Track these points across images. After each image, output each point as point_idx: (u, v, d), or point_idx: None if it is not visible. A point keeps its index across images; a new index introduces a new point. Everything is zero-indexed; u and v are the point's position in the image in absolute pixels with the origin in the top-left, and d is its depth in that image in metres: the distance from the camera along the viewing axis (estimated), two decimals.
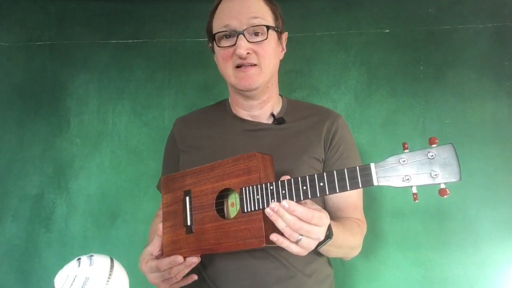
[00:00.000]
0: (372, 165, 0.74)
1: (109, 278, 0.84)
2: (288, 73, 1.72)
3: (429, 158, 0.70)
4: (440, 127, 1.61)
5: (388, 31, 1.69)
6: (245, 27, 0.99)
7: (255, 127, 1.10)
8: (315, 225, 0.80)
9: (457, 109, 1.61)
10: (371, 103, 1.67)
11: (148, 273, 0.95)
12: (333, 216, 0.85)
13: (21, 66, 1.86)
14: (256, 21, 1.00)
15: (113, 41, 1.84)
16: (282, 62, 1.13)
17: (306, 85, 1.71)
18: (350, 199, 1.08)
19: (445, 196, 0.69)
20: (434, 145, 0.71)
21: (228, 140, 1.09)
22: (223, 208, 0.94)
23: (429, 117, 1.62)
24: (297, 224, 0.78)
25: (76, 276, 0.82)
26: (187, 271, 0.94)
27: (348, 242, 1.02)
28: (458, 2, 1.65)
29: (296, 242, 0.80)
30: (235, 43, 1.00)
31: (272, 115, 1.11)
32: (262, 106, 1.11)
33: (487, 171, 1.56)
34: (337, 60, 1.71)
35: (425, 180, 0.70)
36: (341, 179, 0.76)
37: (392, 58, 1.67)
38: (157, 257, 0.97)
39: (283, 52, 1.12)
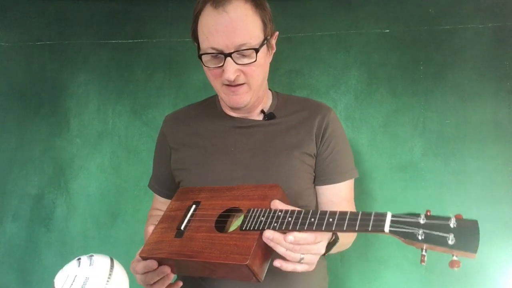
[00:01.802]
0: (389, 214, 0.72)
1: (109, 278, 0.84)
2: (288, 73, 1.71)
3: (450, 225, 0.67)
4: (440, 127, 1.61)
5: (388, 31, 1.68)
6: (232, 50, 0.93)
7: (245, 124, 1.09)
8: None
9: (457, 109, 1.61)
10: (371, 103, 1.67)
11: (132, 272, 0.92)
12: (326, 209, 0.84)
13: (21, 66, 1.86)
14: (244, 46, 0.93)
15: (113, 41, 1.84)
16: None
17: (306, 85, 1.71)
18: (343, 192, 1.09)
19: (455, 269, 0.66)
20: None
21: (218, 137, 1.08)
22: (224, 226, 0.92)
23: (429, 117, 1.62)
24: (296, 246, 0.78)
25: (76, 276, 0.82)
26: (157, 278, 0.89)
27: (347, 239, 1.03)
28: (458, 2, 1.64)
29: (299, 261, 0.80)
30: (223, 64, 0.95)
31: (262, 111, 1.10)
32: (253, 110, 1.11)
33: (487, 171, 1.56)
34: (337, 60, 1.71)
35: (439, 243, 0.67)
36: (352, 219, 0.75)
37: (392, 58, 1.67)
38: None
39: (273, 52, 1.05)
